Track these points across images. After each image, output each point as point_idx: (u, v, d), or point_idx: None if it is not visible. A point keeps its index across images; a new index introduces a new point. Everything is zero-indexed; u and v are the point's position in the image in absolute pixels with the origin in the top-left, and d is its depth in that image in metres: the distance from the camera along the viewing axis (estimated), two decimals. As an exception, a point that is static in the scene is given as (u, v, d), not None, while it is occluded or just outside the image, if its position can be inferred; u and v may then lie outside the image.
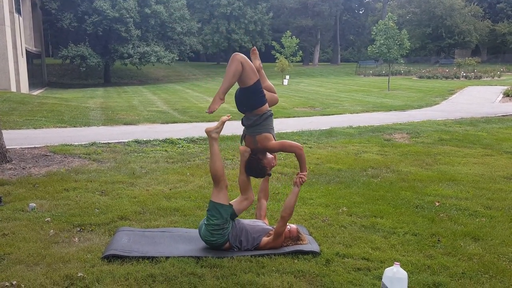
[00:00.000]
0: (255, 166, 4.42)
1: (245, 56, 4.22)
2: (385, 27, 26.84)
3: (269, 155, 4.48)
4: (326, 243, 4.54)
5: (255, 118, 4.33)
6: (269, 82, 4.72)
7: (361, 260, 4.17)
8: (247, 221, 4.50)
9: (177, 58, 45.34)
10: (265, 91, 4.44)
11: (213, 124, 4.48)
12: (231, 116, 4.38)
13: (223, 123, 4.30)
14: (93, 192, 6.19)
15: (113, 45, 39.87)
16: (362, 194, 6.30)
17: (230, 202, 4.49)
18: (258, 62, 4.63)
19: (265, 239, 4.35)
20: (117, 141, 9.98)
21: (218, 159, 4.30)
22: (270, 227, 4.49)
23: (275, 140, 4.39)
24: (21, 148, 8.94)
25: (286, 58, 34.98)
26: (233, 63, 4.17)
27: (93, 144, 9.50)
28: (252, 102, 4.31)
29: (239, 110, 4.44)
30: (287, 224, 4.41)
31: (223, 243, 4.29)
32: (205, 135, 4.43)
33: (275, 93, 4.69)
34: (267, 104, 4.36)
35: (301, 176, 4.39)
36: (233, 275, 3.80)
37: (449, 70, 39.60)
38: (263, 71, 4.67)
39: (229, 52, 58.70)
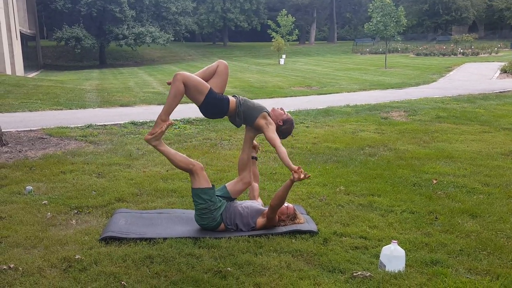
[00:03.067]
0: (278, 133, 4.35)
1: (186, 74, 4.03)
2: (381, 4, 26.59)
3: (276, 111, 4.41)
4: (324, 222, 4.55)
5: (237, 120, 4.28)
6: (206, 70, 4.31)
7: (358, 238, 4.18)
8: (240, 204, 4.43)
9: (173, 39, 45.01)
10: (215, 78, 4.22)
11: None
12: (174, 123, 4.26)
13: (163, 132, 4.10)
14: (90, 174, 6.17)
15: (107, 26, 39.53)
16: (360, 172, 6.29)
17: (226, 184, 4.50)
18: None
19: (260, 220, 4.33)
20: (113, 123, 9.93)
21: (174, 155, 4.20)
22: (264, 208, 4.46)
23: (269, 116, 4.32)
24: (17, 131, 8.90)
25: (282, 37, 34.70)
26: (173, 84, 4.01)
27: (89, 126, 9.46)
28: (216, 111, 4.23)
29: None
30: (285, 202, 4.42)
31: (215, 226, 4.28)
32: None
33: (215, 66, 4.27)
34: (232, 101, 4.21)
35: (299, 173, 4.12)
36: (231, 256, 3.80)
37: (446, 47, 39.41)
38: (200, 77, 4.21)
39: (225, 32, 58.35)
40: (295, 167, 4.05)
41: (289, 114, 4.49)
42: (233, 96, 4.31)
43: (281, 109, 4.49)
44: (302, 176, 4.03)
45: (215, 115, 4.29)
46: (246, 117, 4.29)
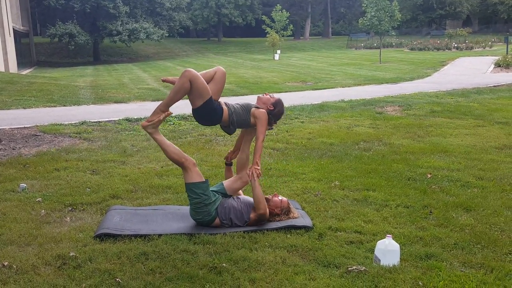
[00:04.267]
0: (269, 119, 4.37)
1: (195, 74, 3.98)
2: (375, -2, 26.61)
3: (263, 98, 4.43)
4: (319, 217, 4.55)
5: (231, 128, 4.30)
6: (204, 74, 4.21)
7: (353, 233, 4.18)
8: (234, 197, 4.47)
9: (167, 35, 44.95)
10: (211, 84, 4.16)
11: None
12: (172, 113, 4.25)
13: (160, 121, 4.11)
14: (84, 171, 6.15)
15: (101, 22, 39.40)
16: (354, 167, 6.30)
17: (223, 182, 4.50)
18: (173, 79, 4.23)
19: (253, 216, 4.32)
20: (107, 119, 9.90)
21: (167, 146, 4.20)
22: None
23: (256, 108, 4.35)
24: (10, 128, 8.85)
25: (276, 32, 34.65)
26: (180, 79, 4.00)
27: (83, 123, 9.42)
28: (208, 119, 4.23)
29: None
30: (278, 196, 4.45)
31: (210, 220, 4.28)
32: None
33: (212, 72, 4.23)
34: (225, 113, 4.21)
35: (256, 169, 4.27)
36: (226, 251, 3.80)
37: (440, 41, 39.48)
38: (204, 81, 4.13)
39: (220, 27, 58.22)
40: (255, 166, 4.23)
41: (275, 96, 4.50)
42: (224, 104, 4.28)
43: (266, 94, 4.50)
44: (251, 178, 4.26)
45: (206, 122, 4.29)
46: (240, 124, 4.33)
